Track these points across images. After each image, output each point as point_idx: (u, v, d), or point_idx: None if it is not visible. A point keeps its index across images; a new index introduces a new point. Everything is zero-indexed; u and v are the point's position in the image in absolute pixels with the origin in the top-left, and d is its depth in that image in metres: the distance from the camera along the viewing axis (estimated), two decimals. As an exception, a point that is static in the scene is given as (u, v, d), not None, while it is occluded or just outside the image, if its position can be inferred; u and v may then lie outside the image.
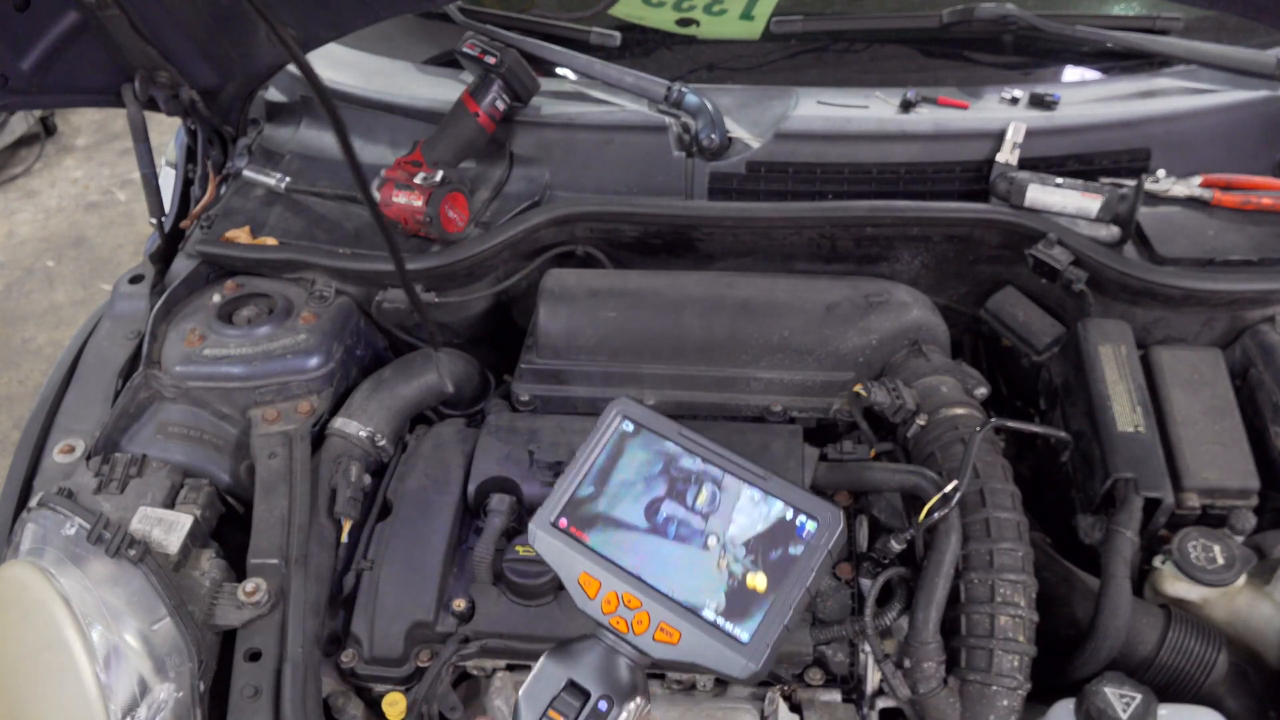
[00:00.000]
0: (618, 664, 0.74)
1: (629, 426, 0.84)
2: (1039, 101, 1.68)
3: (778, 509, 0.74)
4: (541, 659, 0.74)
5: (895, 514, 1.38)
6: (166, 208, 1.67)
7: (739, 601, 0.72)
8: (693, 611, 0.73)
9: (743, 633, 0.72)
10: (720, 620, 0.73)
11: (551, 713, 0.71)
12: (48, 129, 4.53)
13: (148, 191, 1.63)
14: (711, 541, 0.75)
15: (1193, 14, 1.79)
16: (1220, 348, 1.50)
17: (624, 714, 0.72)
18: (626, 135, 1.71)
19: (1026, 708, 1.20)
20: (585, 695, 0.71)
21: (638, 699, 0.74)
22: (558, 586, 1.23)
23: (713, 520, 0.76)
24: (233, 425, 1.46)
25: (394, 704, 1.27)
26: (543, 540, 0.79)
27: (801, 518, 0.74)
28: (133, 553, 1.21)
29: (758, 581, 0.73)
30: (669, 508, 0.78)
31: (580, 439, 1.42)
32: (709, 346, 1.51)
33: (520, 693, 0.72)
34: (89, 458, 1.36)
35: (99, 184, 4.33)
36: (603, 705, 0.71)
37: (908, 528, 1.28)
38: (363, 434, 1.46)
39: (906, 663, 1.21)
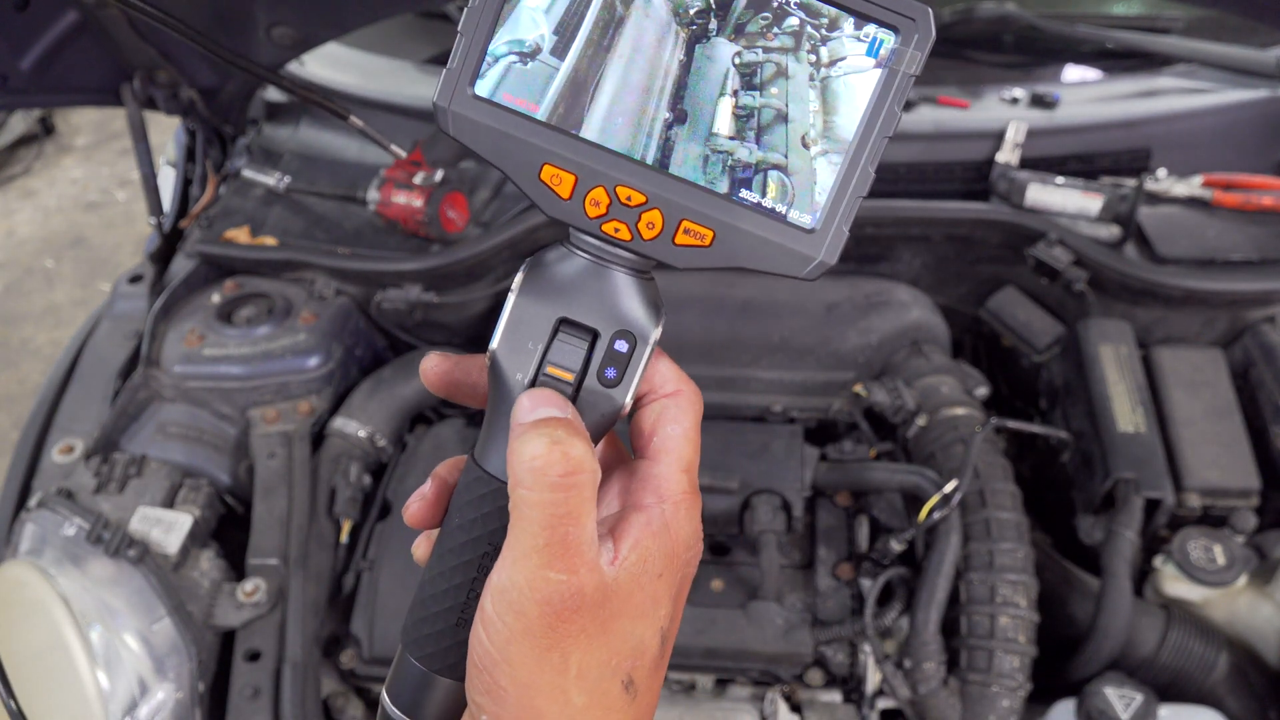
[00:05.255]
0: (622, 284, 0.49)
1: None
2: (1039, 101, 1.68)
3: (827, 17, 0.46)
4: (511, 298, 0.49)
5: (895, 514, 1.37)
6: (166, 207, 1.67)
7: (799, 174, 0.47)
8: (726, 197, 0.47)
9: (804, 215, 0.47)
10: (768, 201, 0.47)
11: (552, 369, 0.48)
12: (47, 129, 4.53)
13: (147, 191, 1.63)
14: (728, 82, 0.47)
15: (1193, 14, 1.79)
16: (1221, 347, 1.50)
17: (649, 350, 0.49)
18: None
19: (1027, 708, 1.20)
20: (591, 334, 0.48)
21: (659, 326, 0.49)
22: None
23: (717, 47, 0.47)
24: (232, 425, 1.46)
25: (394, 704, 1.27)
26: (466, 127, 0.47)
27: (870, 28, 0.46)
28: (132, 553, 1.21)
29: (812, 136, 0.47)
30: (643, 28, 0.47)
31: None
32: (709, 346, 1.51)
33: (494, 347, 0.49)
34: (88, 458, 1.36)
35: (98, 184, 4.33)
36: (621, 345, 0.48)
37: (908, 528, 1.28)
38: (362, 434, 1.46)
39: (907, 663, 1.21)
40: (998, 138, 1.63)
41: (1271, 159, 1.65)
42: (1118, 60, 1.80)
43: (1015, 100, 1.70)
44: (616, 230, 0.48)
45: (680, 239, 0.48)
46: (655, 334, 0.49)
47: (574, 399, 0.48)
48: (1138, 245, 1.54)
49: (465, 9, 0.47)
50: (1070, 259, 1.49)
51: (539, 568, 0.42)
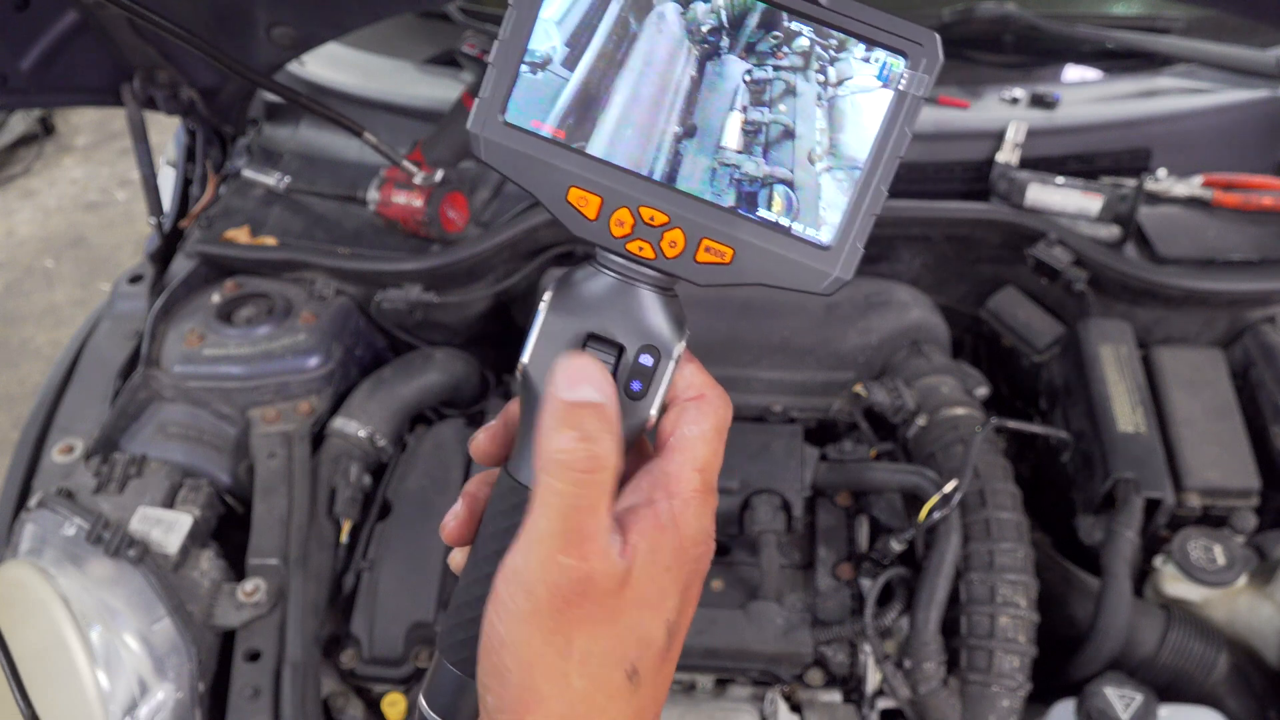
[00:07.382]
0: (647, 300, 0.51)
1: None
2: (1039, 101, 1.68)
3: (836, 39, 0.48)
4: (541, 314, 0.51)
5: (895, 514, 1.37)
6: (166, 207, 1.67)
7: (805, 189, 0.49)
8: (745, 216, 0.49)
9: (821, 232, 0.50)
10: (785, 220, 0.50)
11: None
12: (47, 128, 4.52)
13: (147, 191, 1.63)
14: (738, 98, 0.49)
15: (1193, 14, 1.79)
16: (1221, 348, 1.50)
17: (673, 364, 0.51)
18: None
19: (1027, 708, 1.20)
20: (618, 349, 0.51)
21: (683, 340, 0.52)
22: None
23: (728, 65, 0.49)
24: (232, 425, 1.45)
25: (394, 704, 1.27)
26: (495, 153, 0.50)
27: (879, 54, 0.49)
28: (132, 553, 1.21)
29: (817, 153, 0.49)
30: (655, 44, 0.49)
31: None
32: (709, 346, 1.51)
33: (525, 361, 0.51)
34: (88, 458, 1.36)
35: (98, 184, 4.32)
36: (646, 359, 0.51)
37: (908, 528, 1.28)
38: (362, 434, 1.46)
39: (907, 663, 1.21)
40: (998, 138, 1.63)
41: (1271, 159, 1.65)
42: (1118, 60, 1.80)
43: (1015, 100, 1.70)
44: (641, 249, 0.50)
45: (701, 257, 0.50)
46: (679, 348, 0.51)
47: None
48: (1138, 245, 1.54)
49: (496, 41, 0.49)
50: (1070, 259, 1.49)
51: (552, 552, 0.44)
